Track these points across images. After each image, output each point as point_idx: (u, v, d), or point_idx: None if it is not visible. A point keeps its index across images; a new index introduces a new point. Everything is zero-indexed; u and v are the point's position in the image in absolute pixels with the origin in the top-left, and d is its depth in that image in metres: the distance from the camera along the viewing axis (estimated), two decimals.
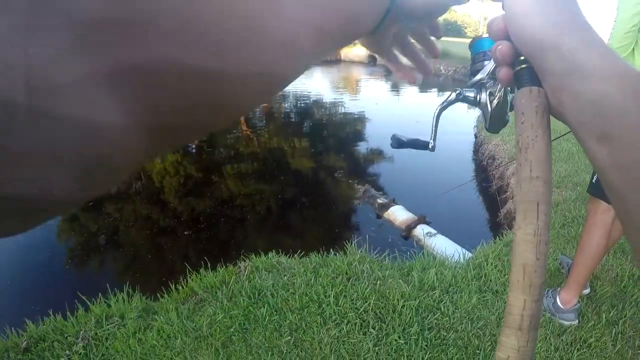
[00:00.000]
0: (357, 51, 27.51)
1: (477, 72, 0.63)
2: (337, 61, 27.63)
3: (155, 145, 0.23)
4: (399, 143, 0.68)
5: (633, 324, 2.56)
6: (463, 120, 10.87)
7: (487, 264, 3.09)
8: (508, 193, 5.50)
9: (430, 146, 0.66)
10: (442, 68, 23.29)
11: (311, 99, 15.61)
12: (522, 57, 0.40)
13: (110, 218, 5.98)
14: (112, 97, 0.19)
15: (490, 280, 2.93)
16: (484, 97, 0.61)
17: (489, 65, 0.62)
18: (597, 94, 0.34)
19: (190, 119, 0.24)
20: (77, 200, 0.21)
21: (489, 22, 0.44)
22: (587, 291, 2.79)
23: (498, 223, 5.15)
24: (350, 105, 14.20)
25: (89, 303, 2.88)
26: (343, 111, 13.29)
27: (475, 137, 8.74)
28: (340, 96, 16.20)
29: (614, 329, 2.49)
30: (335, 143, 9.89)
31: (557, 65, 0.36)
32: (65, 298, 3.12)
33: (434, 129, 0.66)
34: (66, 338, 2.51)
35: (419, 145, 0.68)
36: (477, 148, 7.94)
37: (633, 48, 2.29)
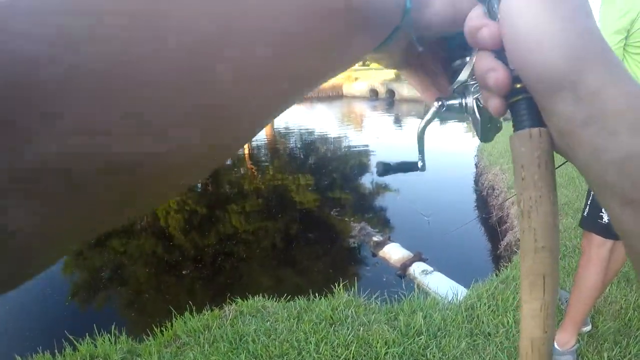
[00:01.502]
0: (358, 86, 27.86)
1: (457, 72, 0.56)
2: (339, 97, 27.98)
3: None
4: (385, 169, 0.61)
5: None
6: (462, 150, 10.83)
7: (479, 304, 2.97)
8: (508, 224, 5.39)
9: (419, 165, 0.59)
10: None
11: (315, 135, 15.73)
12: (518, 85, 0.33)
13: (110, 255, 5.98)
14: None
15: (483, 322, 2.80)
16: (470, 102, 0.51)
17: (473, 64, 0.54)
18: (624, 152, 0.27)
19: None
20: None
21: (472, 20, 0.34)
22: (587, 328, 2.60)
23: (498, 255, 5.04)
24: (354, 139, 14.27)
25: (76, 343, 2.94)
26: (347, 145, 13.36)
27: (476, 166, 8.68)
28: (344, 131, 16.30)
29: None
30: (340, 178, 9.90)
31: (572, 109, 0.29)
32: (56, 335, 3.19)
33: (419, 149, 0.60)
34: None
35: (407, 167, 0.61)
36: (477, 178, 7.86)
37: None
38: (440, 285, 3.90)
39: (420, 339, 2.61)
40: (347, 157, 12.13)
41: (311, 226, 6.81)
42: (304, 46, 0.27)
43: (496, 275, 3.58)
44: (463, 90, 0.52)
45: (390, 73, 30.99)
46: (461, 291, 3.51)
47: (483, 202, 6.79)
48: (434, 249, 5.04)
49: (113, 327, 3.09)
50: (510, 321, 2.77)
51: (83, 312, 4.70)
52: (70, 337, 2.99)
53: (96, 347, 2.87)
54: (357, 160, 11.37)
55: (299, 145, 14.48)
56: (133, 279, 5.36)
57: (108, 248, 6.19)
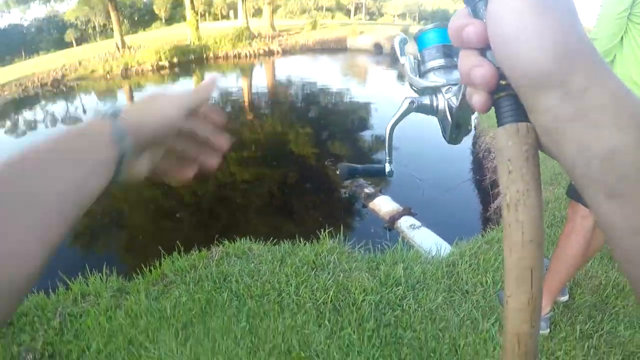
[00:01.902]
0: (362, 40, 27.27)
1: (428, 72, 0.54)
2: (344, 49, 27.42)
3: None
4: (349, 172, 0.58)
5: (609, 338, 2.35)
6: None
7: (461, 262, 3.00)
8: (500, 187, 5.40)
9: (387, 170, 0.57)
10: None
11: (317, 86, 15.51)
12: (503, 82, 0.33)
13: (106, 197, 6.00)
14: None
15: (462, 279, 2.84)
16: (441, 104, 0.52)
17: (448, 70, 0.53)
18: (609, 146, 0.28)
19: None
20: None
21: (458, 19, 0.35)
22: (564, 298, 2.59)
23: (488, 217, 5.07)
24: (356, 93, 14.09)
25: (68, 282, 3.04)
26: (349, 99, 13.21)
27: (475, 128, 8.61)
28: (346, 84, 16.07)
29: (588, 343, 2.30)
30: (339, 131, 9.85)
31: (559, 107, 0.29)
32: (50, 276, 3.22)
33: (387, 149, 0.58)
34: (45, 314, 2.63)
35: (373, 172, 0.59)
36: (475, 140, 7.83)
37: (622, 37, 2.12)
38: (425, 240, 3.94)
39: (398, 289, 2.66)
40: (348, 111, 12.02)
41: (307, 176, 6.84)
42: None
43: (482, 235, 3.59)
44: (434, 92, 0.53)
45: (396, 29, 30.36)
46: (445, 247, 3.55)
47: (479, 164, 6.78)
48: (425, 206, 5.08)
49: (104, 267, 3.18)
50: (489, 281, 2.80)
51: (76, 254, 4.76)
52: (63, 276, 3.07)
53: (88, 285, 2.96)
54: (358, 115, 11.27)
55: (299, 97, 14.31)
56: (128, 222, 5.43)
57: (110, 193, 6.21)
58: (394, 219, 4.58)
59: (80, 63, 20.99)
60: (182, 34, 27.53)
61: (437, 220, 4.61)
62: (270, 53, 25.06)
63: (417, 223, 4.36)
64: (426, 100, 0.53)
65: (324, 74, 17.47)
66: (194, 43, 24.10)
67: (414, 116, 0.58)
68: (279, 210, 5.66)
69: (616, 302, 2.62)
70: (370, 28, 32.52)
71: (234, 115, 11.62)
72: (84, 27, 55.39)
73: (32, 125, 12.43)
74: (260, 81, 18.38)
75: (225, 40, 24.48)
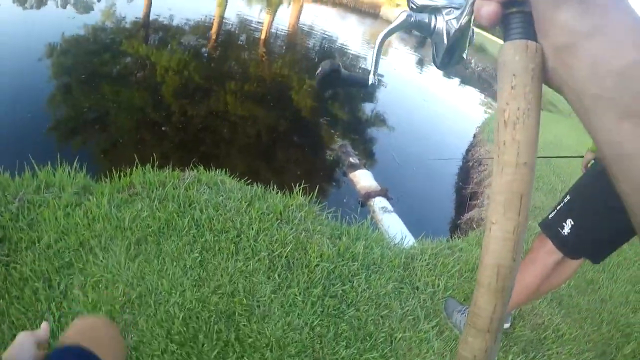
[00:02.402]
0: (397, 12, 26.62)
1: None
2: (375, 15, 26.80)
3: None
4: (330, 71, 0.54)
5: None
6: (470, 119, 10.70)
7: (420, 258, 3.03)
8: (479, 200, 5.45)
9: (370, 81, 0.54)
10: (472, 61, 22.71)
11: (336, 44, 15.22)
12: None
13: (101, 96, 5.87)
14: None
15: (416, 275, 2.87)
16: (440, 25, 0.49)
17: None
18: (627, 62, 0.27)
19: None
20: None
21: None
22: (506, 325, 2.62)
23: (458, 225, 5.13)
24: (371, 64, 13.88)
25: (36, 168, 2.90)
26: (363, 67, 13.00)
27: (474, 137, 8.62)
28: (365, 52, 15.79)
29: None
30: (343, 94, 9.74)
31: (577, 22, 0.29)
32: (21, 158, 3.11)
33: (374, 60, 0.56)
34: (5, 196, 2.52)
35: (355, 80, 0.55)
36: (470, 148, 7.83)
37: None
38: (392, 225, 3.96)
39: (353, 265, 2.67)
40: (359, 77, 11.84)
41: (299, 128, 6.77)
42: None
43: (447, 240, 3.63)
44: (433, 12, 0.51)
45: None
46: (409, 239, 3.57)
47: (466, 172, 6.80)
48: (401, 194, 5.09)
49: (75, 161, 3.08)
50: (441, 284, 2.82)
51: (52, 142, 4.65)
52: (33, 161, 2.94)
53: (54, 176, 2.85)
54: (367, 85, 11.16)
55: (316, 49, 14.01)
56: (113, 125, 5.30)
57: (98, 91, 6.06)
58: (369, 195, 4.59)
59: None
60: None
61: (409, 211, 4.63)
62: None
63: (390, 207, 4.38)
64: (425, 18, 0.51)
65: (347, 34, 17.09)
66: None
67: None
68: (262, 153, 5.60)
69: (552, 345, 2.68)
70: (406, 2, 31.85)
71: (247, 47, 11.35)
72: None
73: (42, 1, 11.86)
74: (283, 20, 17.88)
75: None
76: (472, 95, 16.10)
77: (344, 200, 4.61)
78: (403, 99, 10.63)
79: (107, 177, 3.10)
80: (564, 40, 0.30)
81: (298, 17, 19.71)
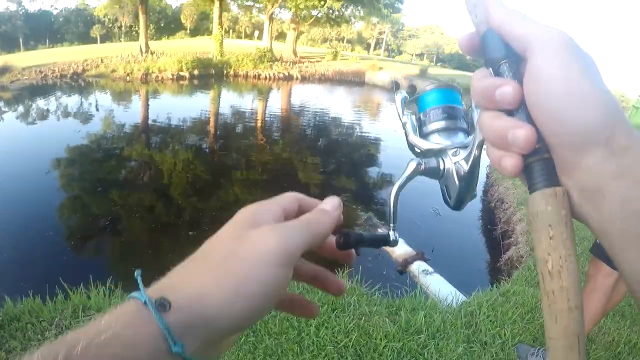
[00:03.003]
0: (381, 76, 27.62)
1: (431, 134, 0.53)
2: (361, 83, 27.75)
3: None
4: (354, 240, 0.51)
5: None
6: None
7: (479, 313, 2.98)
8: (512, 238, 5.38)
9: (391, 238, 0.51)
10: (464, 104, 23.17)
11: (330, 117, 15.65)
12: (537, 145, 0.33)
13: (113, 205, 5.99)
14: None
15: (480, 331, 2.81)
16: (449, 166, 0.50)
17: (453, 132, 0.52)
18: None
19: None
20: None
21: (488, 80, 0.35)
22: None
23: (498, 268, 5.05)
24: (368, 128, 14.20)
25: (69, 292, 2.86)
26: (360, 133, 13.29)
27: (487, 177, 8.63)
28: (359, 118, 16.21)
29: None
30: (348, 164, 9.88)
31: (602, 165, 0.30)
32: (50, 280, 3.15)
33: (392, 213, 0.54)
34: (40, 322, 2.47)
35: (378, 241, 0.54)
36: (487, 189, 7.82)
37: None
38: (438, 286, 3.90)
39: (420, 338, 2.61)
40: (358, 145, 12.09)
41: None
42: None
43: (497, 287, 3.58)
44: (439, 155, 0.51)
45: (415, 68, 30.80)
46: (460, 297, 3.52)
47: (490, 213, 6.76)
48: (436, 252, 5.04)
49: (108, 281, 3.04)
50: (507, 333, 2.78)
51: (80, 261, 4.70)
52: (64, 284, 2.91)
53: (89, 298, 2.80)
54: (366, 150, 11.32)
55: (311, 125, 14.41)
56: (131, 233, 5.37)
57: (109, 199, 6.22)
58: (407, 262, 4.54)
59: (102, 60, 21.33)
60: (205, 46, 27.97)
61: (447, 267, 4.57)
62: (289, 78, 25.42)
63: (430, 269, 4.33)
64: (433, 162, 0.51)
65: (338, 106, 17.63)
66: (216, 57, 24.44)
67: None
68: None
69: (628, 358, 2.66)
70: (389, 64, 32.98)
71: (245, 136, 11.68)
72: (110, 25, 56.63)
73: (44, 115, 12.50)
74: (276, 105, 18.56)
75: (247, 59, 24.84)
76: None
77: (384, 273, 4.56)
78: (405, 156, 10.76)
79: None
80: (590, 183, 0.31)
81: (289, 99, 20.45)
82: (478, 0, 0.38)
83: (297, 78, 25.75)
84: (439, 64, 70.83)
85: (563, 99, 0.30)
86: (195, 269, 0.35)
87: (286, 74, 25.52)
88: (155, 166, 8.13)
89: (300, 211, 0.43)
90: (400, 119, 0.57)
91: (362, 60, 33.03)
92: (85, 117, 12.31)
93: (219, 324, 0.32)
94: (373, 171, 9.45)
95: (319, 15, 29.84)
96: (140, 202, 6.29)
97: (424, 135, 0.54)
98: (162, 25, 60.31)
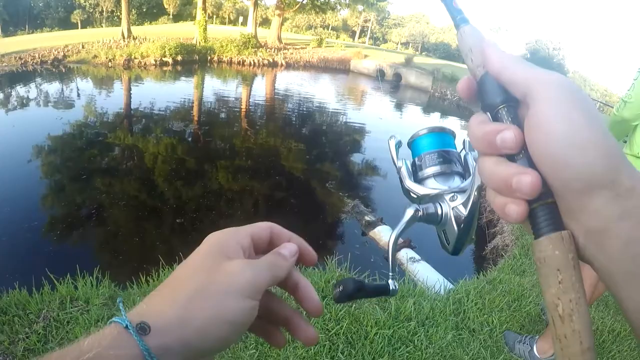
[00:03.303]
0: (366, 64, 27.58)
1: (427, 179, 0.52)
2: (346, 71, 27.68)
3: None
4: (354, 289, 0.48)
5: None
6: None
7: (467, 300, 3.01)
8: (497, 227, 5.45)
9: (391, 288, 0.50)
10: (448, 93, 23.32)
11: (314, 104, 15.61)
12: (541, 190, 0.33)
13: (98, 193, 5.90)
14: None
15: (469, 318, 2.84)
16: (447, 212, 0.49)
17: (449, 177, 0.51)
18: None
19: None
20: None
21: (488, 125, 0.35)
22: None
23: (483, 257, 5.11)
24: (353, 116, 14.19)
25: (55, 282, 2.79)
26: (345, 121, 13.27)
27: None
28: (343, 106, 16.18)
29: None
30: (332, 151, 9.87)
31: (608, 207, 0.30)
32: (36, 271, 3.04)
33: (391, 262, 0.52)
34: (27, 315, 2.41)
35: (377, 290, 0.51)
36: None
37: None
38: (428, 275, 3.93)
39: (410, 325, 2.62)
40: (343, 132, 12.10)
41: (301, 194, 6.79)
42: None
43: (483, 275, 3.63)
44: (436, 200, 0.50)
45: (400, 56, 30.80)
46: (447, 285, 3.56)
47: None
48: (422, 239, 5.07)
49: (96, 270, 2.97)
50: (495, 321, 2.83)
51: (66, 250, 4.63)
52: (51, 275, 2.83)
53: (77, 289, 2.73)
54: (352, 137, 11.33)
55: (296, 112, 14.36)
56: (116, 221, 5.30)
57: (94, 187, 6.13)
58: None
59: (83, 46, 20.87)
60: (188, 32, 27.56)
61: (434, 253, 4.59)
62: (274, 64, 25.22)
63: (417, 256, 4.36)
64: (431, 209, 0.50)
65: (323, 93, 17.56)
66: (200, 43, 24.11)
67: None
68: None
69: (612, 347, 2.74)
70: (374, 52, 32.91)
71: (230, 122, 11.59)
72: (91, 10, 55.47)
73: (24, 102, 12.22)
74: (260, 91, 18.43)
75: (231, 45, 24.56)
76: (455, 124, 16.44)
77: (371, 260, 4.58)
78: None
79: (132, 282, 3.02)
80: (596, 225, 0.31)
81: (274, 86, 20.31)
82: (473, 44, 0.38)
83: (281, 65, 25.56)
84: (424, 53, 71.03)
85: (567, 145, 0.30)
86: (171, 296, 0.38)
87: (270, 60, 25.31)
88: (139, 153, 8.02)
89: (272, 241, 0.47)
90: (394, 164, 0.55)
91: (347, 47, 32.92)
92: (67, 104, 12.06)
93: (195, 347, 0.36)
94: (358, 158, 9.49)
95: (304, 1, 29.63)
96: (124, 189, 6.22)
97: (419, 180, 0.53)
98: (144, 10, 59.27)
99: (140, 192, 6.23)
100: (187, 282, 0.39)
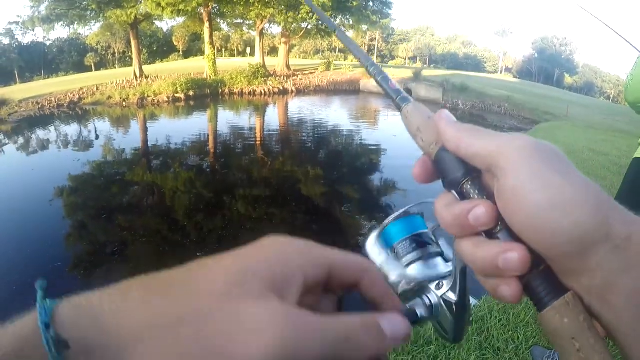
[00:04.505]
0: (375, 83, 27.70)
1: (408, 265, 0.47)
2: (356, 92, 27.85)
3: None
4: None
5: None
6: None
7: (490, 317, 2.93)
8: None
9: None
10: (460, 103, 23.27)
11: (328, 128, 15.70)
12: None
13: (119, 230, 6.01)
14: None
15: (493, 337, 2.76)
16: (436, 302, 0.45)
17: (428, 262, 0.46)
18: None
19: None
20: None
21: (458, 206, 0.32)
22: None
23: None
24: (367, 136, 14.22)
25: None
26: (359, 141, 13.31)
27: None
28: (357, 127, 16.23)
29: None
30: (349, 173, 9.88)
31: (609, 261, 0.28)
32: None
33: None
34: None
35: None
36: None
37: None
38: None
39: (430, 349, 2.57)
40: (359, 153, 12.11)
41: (318, 219, 6.78)
42: None
43: None
44: (421, 293, 0.46)
45: (409, 71, 30.89)
46: (471, 301, 3.49)
47: None
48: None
49: None
50: (520, 337, 2.74)
51: (84, 289, 4.69)
52: None
53: None
54: (368, 158, 11.33)
55: (310, 137, 14.45)
56: (137, 258, 5.36)
57: (114, 224, 6.23)
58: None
59: (97, 88, 21.53)
60: (199, 67, 28.17)
61: None
62: (284, 92, 25.55)
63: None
64: (420, 306, 0.45)
65: (335, 115, 17.67)
66: (210, 77, 24.61)
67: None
68: None
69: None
70: (383, 70, 33.10)
71: (246, 153, 11.71)
72: (104, 53, 57.35)
73: (44, 145, 12.58)
74: (273, 119, 18.63)
75: (241, 76, 25.00)
76: None
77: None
78: (407, 159, 10.79)
79: None
80: (599, 282, 0.28)
81: (286, 112, 20.52)
82: (421, 122, 0.37)
83: (292, 91, 25.87)
84: (432, 65, 71.20)
85: (549, 210, 0.28)
86: (151, 318, 0.24)
87: (281, 88, 25.66)
88: (158, 189, 8.16)
89: (331, 283, 0.32)
90: (375, 261, 0.50)
91: (355, 68, 33.17)
92: (85, 145, 12.39)
93: None
94: (375, 178, 9.45)
95: (309, 27, 30.05)
96: (145, 225, 6.31)
97: (401, 276, 0.47)
98: (154, 49, 60.89)
99: (161, 227, 6.30)
100: (184, 310, 0.25)
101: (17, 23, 42.11)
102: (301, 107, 21.26)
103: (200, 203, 7.30)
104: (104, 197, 7.65)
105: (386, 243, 0.49)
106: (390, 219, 0.49)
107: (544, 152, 0.30)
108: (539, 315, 0.31)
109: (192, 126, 15.23)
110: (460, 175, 0.33)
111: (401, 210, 0.50)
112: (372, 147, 12.51)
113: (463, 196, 0.33)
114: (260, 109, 21.23)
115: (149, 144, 12.60)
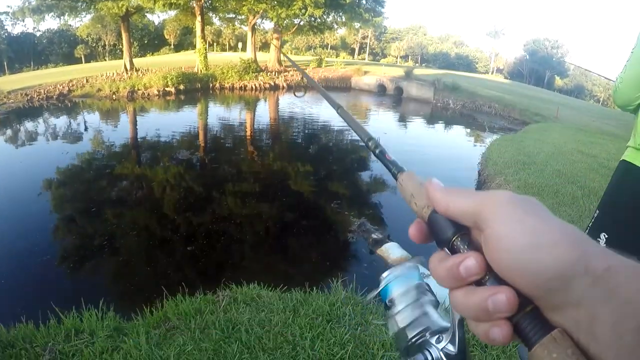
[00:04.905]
0: (367, 80, 27.74)
1: (405, 320, 0.50)
2: (347, 89, 27.85)
3: None
4: None
5: None
6: (467, 155, 10.78)
7: None
8: None
9: None
10: (450, 102, 23.36)
11: (318, 124, 15.68)
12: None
13: (108, 224, 5.97)
14: None
15: None
16: (438, 356, 0.46)
17: (433, 315, 0.50)
18: None
19: None
20: None
21: (450, 260, 0.35)
22: None
23: None
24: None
25: (61, 315, 2.84)
26: (349, 139, 13.30)
27: (479, 174, 8.65)
28: (347, 124, 16.22)
29: None
30: (338, 170, 9.88)
31: (588, 293, 0.29)
32: (44, 304, 3.12)
33: None
34: (34, 348, 2.43)
35: None
36: (479, 187, 7.83)
37: None
38: (437, 291, 3.86)
39: None
40: (348, 150, 12.12)
41: (307, 215, 6.76)
42: None
43: None
44: (423, 347, 0.47)
45: (400, 70, 30.93)
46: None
47: None
48: (430, 251, 5.01)
49: (101, 302, 2.99)
50: None
51: (72, 283, 4.64)
52: (56, 308, 2.89)
53: (82, 321, 2.76)
54: (357, 155, 11.33)
55: (301, 134, 14.42)
56: (125, 252, 5.31)
57: (102, 218, 6.18)
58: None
59: (87, 80, 21.28)
60: (189, 60, 27.97)
61: None
62: (275, 87, 25.44)
63: (427, 272, 4.27)
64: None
65: (326, 112, 17.63)
66: (201, 71, 24.44)
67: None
68: (281, 249, 5.55)
69: None
70: (374, 68, 33.11)
71: (236, 148, 11.66)
72: (94, 45, 56.62)
73: (32, 137, 12.43)
74: (264, 115, 18.57)
75: (232, 71, 24.87)
76: (460, 132, 16.44)
77: (380, 279, 4.51)
78: (397, 155, 10.81)
79: (137, 314, 3.02)
80: (582, 315, 0.30)
81: (277, 109, 20.46)
82: (414, 189, 0.41)
83: (283, 87, 25.78)
84: (423, 65, 71.35)
85: (531, 251, 0.31)
86: None
87: (272, 84, 25.57)
88: (148, 183, 8.10)
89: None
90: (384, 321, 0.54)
91: (347, 65, 33.15)
92: (74, 138, 12.26)
93: None
94: (364, 175, 9.48)
95: (301, 23, 29.95)
96: (134, 219, 6.26)
97: (401, 337, 0.51)
98: (145, 42, 60.35)
99: (150, 221, 6.26)
100: None
101: (6, 13, 41.42)
102: (292, 103, 21.21)
103: (189, 197, 7.26)
104: (92, 190, 7.57)
105: (384, 296, 0.54)
106: (387, 274, 0.54)
107: (522, 201, 0.33)
108: (529, 354, 0.32)
109: (182, 120, 15.14)
110: (450, 233, 0.36)
111: (398, 267, 0.55)
112: (362, 145, 12.45)
113: (454, 252, 0.36)
114: (250, 104, 21.16)
115: (139, 137, 12.51)
